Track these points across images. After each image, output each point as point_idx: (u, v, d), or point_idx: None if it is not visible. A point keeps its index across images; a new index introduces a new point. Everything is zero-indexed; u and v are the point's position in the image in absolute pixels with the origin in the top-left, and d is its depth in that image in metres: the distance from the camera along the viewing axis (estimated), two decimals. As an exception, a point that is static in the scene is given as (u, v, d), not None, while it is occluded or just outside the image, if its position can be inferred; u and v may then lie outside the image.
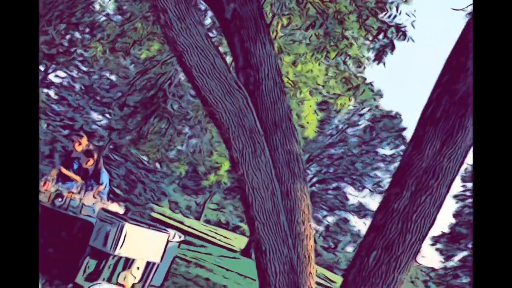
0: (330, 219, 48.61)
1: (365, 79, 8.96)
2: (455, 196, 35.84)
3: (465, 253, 36.44)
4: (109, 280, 8.10)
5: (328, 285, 32.77)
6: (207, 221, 44.43)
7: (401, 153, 40.25)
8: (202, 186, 34.53)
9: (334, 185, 43.65)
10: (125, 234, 7.63)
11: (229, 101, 5.82)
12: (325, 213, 45.59)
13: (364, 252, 6.54)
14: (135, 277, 8.05)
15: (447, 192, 6.16)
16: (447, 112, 6.05)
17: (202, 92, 5.93)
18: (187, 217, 39.01)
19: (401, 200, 6.16)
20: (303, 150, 37.53)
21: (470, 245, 36.24)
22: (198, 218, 42.94)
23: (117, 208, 8.58)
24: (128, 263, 8.36)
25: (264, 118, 6.88)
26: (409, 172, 6.08)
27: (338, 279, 44.92)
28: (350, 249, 73.99)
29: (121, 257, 8.18)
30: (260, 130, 6.45)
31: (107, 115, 20.32)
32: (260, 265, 7.03)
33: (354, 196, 43.52)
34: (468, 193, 35.50)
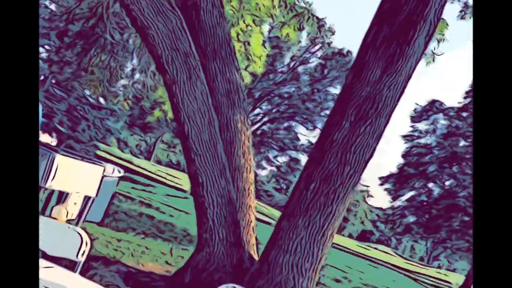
0: (281, 160, 48.97)
1: (310, 5, 8.67)
2: (404, 136, 36.44)
3: (412, 193, 37.46)
4: (42, 213, 7.80)
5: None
6: (158, 162, 44.04)
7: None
8: (149, 123, 33.97)
9: (285, 124, 43.66)
10: (57, 166, 7.29)
11: (162, 21, 5.45)
12: (276, 153, 45.74)
13: (302, 184, 6.43)
14: (72, 214, 7.77)
15: (387, 123, 6.05)
16: (387, 40, 5.86)
17: (132, 12, 5.55)
18: (137, 157, 38.54)
19: (340, 131, 6.02)
20: (254, 88, 37.19)
21: (417, 185, 37.27)
22: (148, 158, 42.51)
23: (48, 139, 8.21)
24: (62, 197, 8.06)
25: (203, 44, 6.54)
26: (349, 101, 5.92)
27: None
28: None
29: (54, 190, 7.87)
30: (196, 55, 6.12)
31: (47, 47, 19.33)
32: (197, 198, 6.85)
33: (304, 136, 43.78)
34: (416, 134, 36.17)
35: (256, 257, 7.01)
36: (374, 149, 6.08)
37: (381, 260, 35.70)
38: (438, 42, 8.74)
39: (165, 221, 13.86)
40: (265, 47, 12.71)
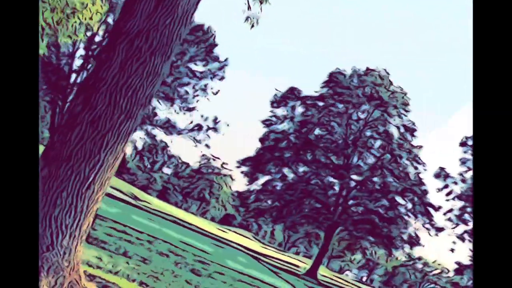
0: (139, 135, 47.68)
1: None
2: (262, 121, 36.87)
3: (267, 177, 38.08)
4: None
5: (139, 204, 32.27)
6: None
7: (213, 70, 40.32)
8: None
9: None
10: None
11: None
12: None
13: (66, 126, 5.66)
14: None
15: (163, 63, 5.44)
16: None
17: None
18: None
19: (110, 68, 5.30)
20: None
21: (273, 170, 37.89)
22: None
23: None
24: None
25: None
26: (120, 35, 5.22)
27: (151, 199, 44.75)
28: (168, 170, 74.27)
29: None
30: None
31: None
32: None
33: (162, 111, 42.97)
34: (274, 119, 36.68)
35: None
36: (150, 96, 5.44)
37: (233, 242, 35.89)
38: (261, 3, 8.34)
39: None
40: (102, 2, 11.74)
